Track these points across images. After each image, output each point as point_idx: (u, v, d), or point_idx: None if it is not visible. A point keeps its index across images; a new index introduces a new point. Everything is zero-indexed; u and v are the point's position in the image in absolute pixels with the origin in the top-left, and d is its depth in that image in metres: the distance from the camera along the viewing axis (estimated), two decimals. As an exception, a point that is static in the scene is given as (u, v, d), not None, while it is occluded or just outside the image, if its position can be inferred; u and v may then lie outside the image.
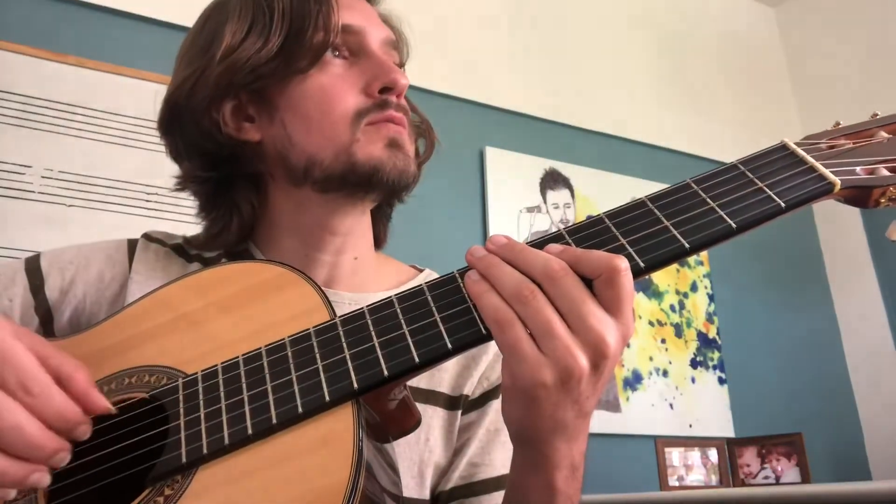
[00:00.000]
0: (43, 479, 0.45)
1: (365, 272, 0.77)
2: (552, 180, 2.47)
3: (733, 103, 2.99)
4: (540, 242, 0.51)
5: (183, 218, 1.76)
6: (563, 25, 2.70)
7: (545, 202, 2.43)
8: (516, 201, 2.37)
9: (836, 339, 2.83)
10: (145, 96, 1.85)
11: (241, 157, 0.72)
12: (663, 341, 2.46)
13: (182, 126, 0.73)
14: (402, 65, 0.79)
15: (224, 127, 0.70)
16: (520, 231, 2.34)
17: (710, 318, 2.58)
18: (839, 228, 2.87)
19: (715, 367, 2.51)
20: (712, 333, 2.56)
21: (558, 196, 2.46)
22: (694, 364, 2.48)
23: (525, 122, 2.49)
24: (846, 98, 2.93)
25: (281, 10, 0.68)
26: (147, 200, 1.79)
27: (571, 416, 0.49)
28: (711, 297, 2.62)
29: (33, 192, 1.67)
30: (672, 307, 2.53)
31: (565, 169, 2.50)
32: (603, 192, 2.54)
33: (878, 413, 2.65)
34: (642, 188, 2.58)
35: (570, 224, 0.53)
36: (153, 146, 1.83)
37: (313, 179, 0.69)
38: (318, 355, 0.50)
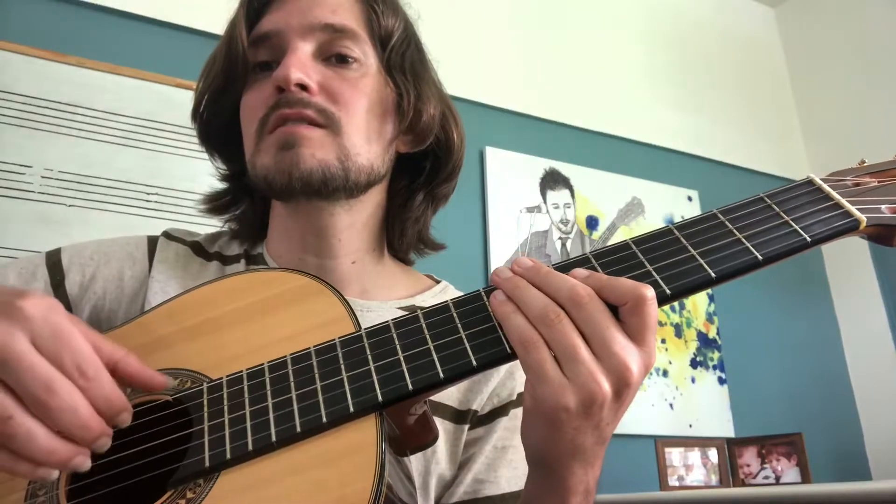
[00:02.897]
0: (85, 462, 0.45)
1: (369, 279, 0.76)
2: (552, 180, 2.47)
3: (733, 103, 2.99)
4: (565, 266, 0.51)
5: (183, 218, 1.76)
6: (563, 25, 2.70)
7: (545, 202, 2.43)
8: (516, 201, 2.37)
9: (836, 340, 2.83)
10: (145, 96, 1.85)
11: (244, 176, 0.77)
12: (663, 341, 2.46)
13: (209, 151, 0.81)
14: (380, 28, 0.74)
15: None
16: (520, 231, 2.34)
17: (710, 318, 2.58)
18: (839, 228, 2.86)
19: (715, 367, 2.51)
20: (712, 333, 2.56)
21: (558, 196, 2.46)
22: (694, 364, 2.48)
23: (525, 122, 2.49)
24: (846, 98, 2.93)
25: (222, 44, 0.74)
26: (147, 200, 1.79)
27: (591, 441, 0.49)
28: (711, 297, 2.62)
29: (33, 192, 1.67)
30: (672, 307, 2.52)
31: (565, 169, 2.50)
32: (603, 192, 2.54)
33: (878, 413, 2.65)
34: (642, 188, 2.60)
35: (597, 248, 0.53)
36: (153, 146, 1.83)
37: (258, 188, 0.72)
38: (343, 366, 0.51)
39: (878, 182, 0.55)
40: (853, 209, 0.52)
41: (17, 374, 0.43)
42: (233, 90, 0.73)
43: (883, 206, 0.53)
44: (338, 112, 0.68)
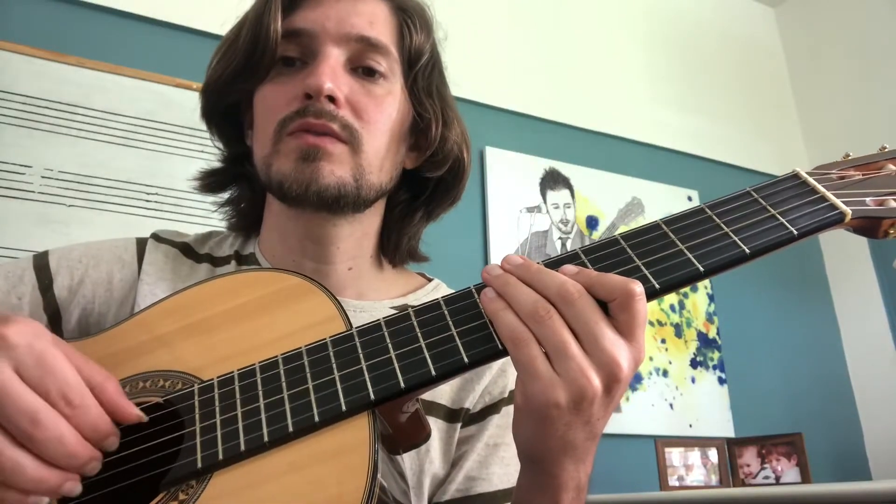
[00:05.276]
0: (76, 487, 0.45)
1: (365, 282, 0.76)
2: (552, 180, 2.47)
3: (733, 103, 2.99)
4: (555, 262, 0.52)
5: (183, 218, 1.76)
6: (563, 25, 2.70)
7: (545, 202, 2.43)
8: (516, 201, 2.37)
9: (836, 340, 2.83)
10: (145, 96, 1.85)
11: (245, 161, 0.77)
12: (663, 341, 2.46)
13: (210, 128, 0.80)
14: (411, 45, 0.74)
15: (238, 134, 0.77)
16: (519, 231, 2.34)
17: (710, 318, 2.58)
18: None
19: (715, 367, 2.51)
20: (712, 333, 2.56)
21: (558, 196, 2.46)
22: (694, 364, 2.48)
23: (525, 122, 2.49)
24: (846, 99, 2.93)
25: (244, 27, 0.72)
26: (147, 200, 1.79)
27: (582, 437, 0.49)
28: (711, 297, 2.62)
29: (33, 192, 1.67)
30: (672, 307, 2.53)
31: (565, 169, 2.50)
32: (603, 192, 2.54)
33: (878, 413, 2.65)
34: (642, 188, 2.60)
35: (586, 244, 0.53)
36: (153, 146, 1.83)
37: (267, 188, 0.72)
38: (334, 365, 0.51)
39: (863, 175, 0.56)
40: (838, 202, 0.52)
41: (2, 407, 0.43)
42: (252, 78, 0.72)
43: (868, 199, 0.53)
44: (360, 129, 0.68)
